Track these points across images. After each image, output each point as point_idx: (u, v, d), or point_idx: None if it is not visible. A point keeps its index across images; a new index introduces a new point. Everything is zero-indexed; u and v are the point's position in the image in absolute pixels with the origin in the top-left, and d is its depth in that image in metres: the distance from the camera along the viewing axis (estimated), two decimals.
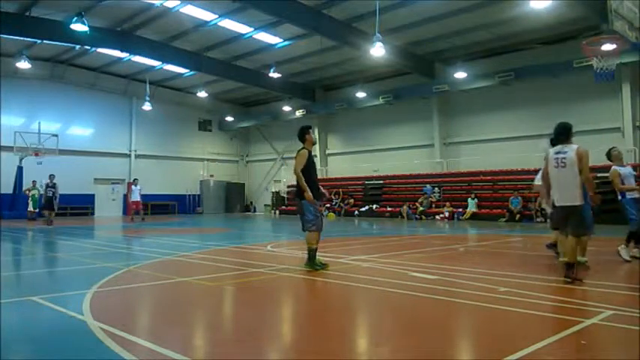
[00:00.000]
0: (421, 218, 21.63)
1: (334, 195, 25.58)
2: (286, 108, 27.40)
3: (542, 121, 19.54)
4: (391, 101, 23.69)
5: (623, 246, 7.12)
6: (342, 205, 25.38)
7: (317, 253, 6.69)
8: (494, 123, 21.81)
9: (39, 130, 23.31)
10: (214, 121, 32.62)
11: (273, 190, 31.01)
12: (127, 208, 21.40)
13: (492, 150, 21.70)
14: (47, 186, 17.92)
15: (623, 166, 7.32)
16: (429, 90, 22.35)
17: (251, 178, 34.16)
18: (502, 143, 21.52)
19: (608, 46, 11.70)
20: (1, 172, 22.44)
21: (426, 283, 5.61)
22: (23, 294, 5.23)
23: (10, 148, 22.44)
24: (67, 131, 25.74)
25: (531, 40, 19.94)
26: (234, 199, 32.29)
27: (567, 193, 5.66)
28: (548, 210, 7.37)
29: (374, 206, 24.20)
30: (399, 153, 25.15)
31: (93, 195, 26.79)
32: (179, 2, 17.66)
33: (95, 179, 26.99)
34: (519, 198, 19.19)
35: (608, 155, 7.43)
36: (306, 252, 6.73)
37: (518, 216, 18.83)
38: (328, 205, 24.88)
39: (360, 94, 24.10)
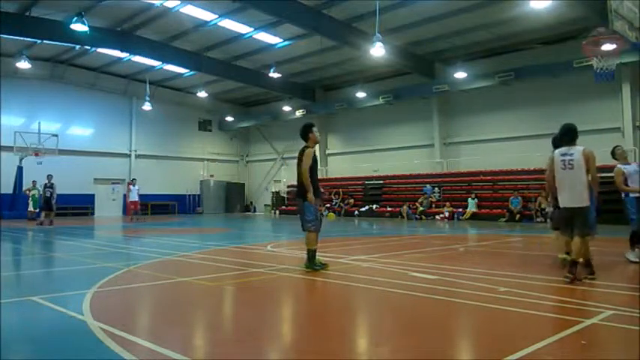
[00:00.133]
0: (421, 218, 21.63)
1: (334, 195, 25.59)
2: (286, 108, 27.40)
3: (542, 121, 19.58)
4: (391, 101, 23.69)
5: (629, 252, 7.11)
6: (342, 205, 25.39)
7: (317, 254, 6.68)
8: (494, 123, 21.81)
9: (39, 130, 23.33)
10: (214, 121, 32.62)
11: (273, 190, 31.02)
12: (127, 208, 21.40)
13: (492, 150, 21.70)
14: (45, 186, 17.82)
15: (628, 164, 7.27)
16: (429, 90, 22.35)
17: (251, 178, 34.17)
18: (502, 143, 21.53)
19: (608, 46, 11.69)
20: (1, 172, 22.44)
21: (426, 283, 5.61)
22: (23, 294, 5.23)
23: (10, 148, 22.46)
24: (67, 131, 25.75)
25: (531, 40, 19.94)
26: (234, 199, 32.29)
27: (575, 194, 5.67)
28: (549, 210, 7.40)
29: (374, 206, 24.20)
30: (399, 153, 25.16)
31: (93, 195, 26.80)
32: (179, 2, 17.66)
33: (95, 179, 27.00)
34: (519, 198, 19.20)
35: (613, 154, 7.44)
36: (306, 252, 6.72)
37: (518, 216, 18.83)
38: (328, 205, 24.88)
39: (360, 94, 24.10)
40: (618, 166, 7.11)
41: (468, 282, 5.67)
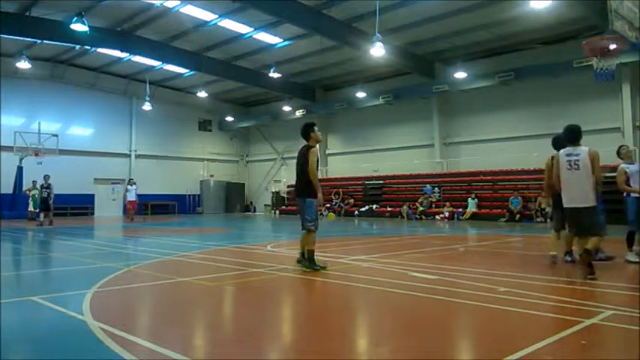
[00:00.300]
0: (421, 218, 21.63)
1: (334, 195, 25.59)
2: (286, 108, 27.41)
3: (543, 121, 19.59)
4: (391, 101, 23.69)
5: (628, 253, 7.11)
6: (342, 205, 25.39)
7: (316, 254, 6.68)
8: (494, 123, 21.82)
9: (39, 130, 23.33)
10: (214, 121, 32.63)
11: (273, 190, 31.02)
12: (126, 208, 21.40)
13: (492, 150, 21.70)
14: (42, 187, 17.63)
15: (632, 163, 7.27)
16: (429, 90, 22.35)
17: (251, 178, 34.17)
18: (502, 143, 21.53)
19: (607, 46, 11.69)
20: (1, 172, 22.44)
21: (426, 283, 5.61)
22: (23, 294, 5.23)
23: (10, 148, 22.45)
24: (67, 131, 25.76)
25: (531, 40, 19.94)
26: (234, 199, 32.29)
27: (581, 194, 5.70)
28: (549, 210, 7.40)
29: (374, 206, 24.20)
30: (399, 153, 25.16)
31: (93, 195, 26.80)
32: (179, 2, 17.66)
33: (95, 179, 27.00)
34: (519, 198, 19.20)
35: (618, 153, 7.46)
36: (304, 252, 6.70)
37: (518, 216, 18.83)
38: (328, 205, 24.88)
39: (360, 94, 24.11)
40: (622, 165, 7.11)
41: (468, 282, 5.67)
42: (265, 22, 18.52)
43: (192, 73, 25.05)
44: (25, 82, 24.07)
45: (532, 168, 19.25)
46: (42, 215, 17.46)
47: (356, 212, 24.41)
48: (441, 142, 23.41)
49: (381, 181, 25.11)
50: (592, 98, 18.75)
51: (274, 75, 22.75)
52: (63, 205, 23.83)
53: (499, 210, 19.78)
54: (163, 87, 28.64)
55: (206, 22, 19.31)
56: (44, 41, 19.83)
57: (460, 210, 20.98)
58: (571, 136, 5.97)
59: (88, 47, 21.76)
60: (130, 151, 28.68)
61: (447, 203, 21.59)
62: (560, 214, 6.84)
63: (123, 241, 12.84)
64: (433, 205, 22.29)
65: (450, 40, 20.10)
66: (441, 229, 16.12)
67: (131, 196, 20.95)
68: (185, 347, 3.42)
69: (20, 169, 23.06)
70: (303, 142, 6.82)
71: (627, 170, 7.02)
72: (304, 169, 6.56)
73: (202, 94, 26.87)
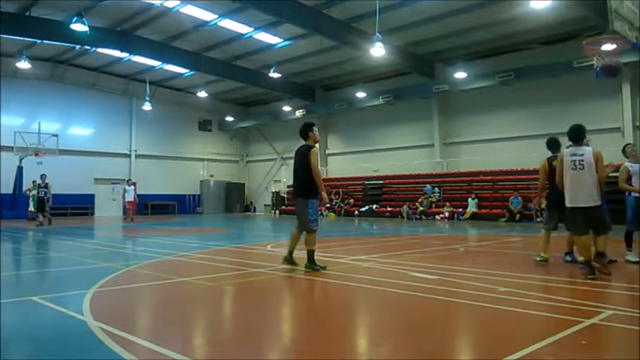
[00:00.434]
0: (421, 218, 21.63)
1: (334, 195, 25.59)
2: (286, 108, 27.40)
3: (542, 121, 19.59)
4: (391, 101, 23.69)
5: (628, 253, 7.11)
6: (342, 205, 25.39)
7: (316, 254, 6.67)
8: (494, 123, 21.81)
9: (39, 130, 23.32)
10: (214, 121, 32.62)
11: (273, 190, 31.03)
12: (125, 208, 21.40)
13: (492, 150, 21.70)
14: (39, 187, 17.48)
15: (638, 162, 7.26)
16: (429, 90, 22.35)
17: (251, 178, 34.16)
18: (502, 143, 21.53)
19: (608, 46, 11.69)
20: (1, 172, 22.44)
21: (426, 283, 5.61)
22: (23, 294, 5.23)
23: (10, 148, 22.45)
24: (67, 131, 25.75)
25: (531, 40, 19.94)
26: (234, 199, 32.30)
27: (587, 194, 5.74)
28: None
29: (374, 206, 24.20)
30: (399, 153, 25.16)
31: (93, 195, 26.79)
32: (179, 2, 17.67)
33: (95, 179, 27.00)
34: (519, 198, 19.20)
35: (623, 151, 7.47)
36: (289, 252, 6.70)
37: (518, 216, 18.83)
38: (328, 205, 24.88)
39: (360, 94, 24.11)
40: (625, 163, 7.10)
41: (468, 282, 5.67)
42: (265, 22, 18.52)
43: (192, 73, 25.06)
44: (25, 82, 24.06)
45: (532, 168, 19.21)
46: (41, 215, 17.43)
47: (356, 212, 24.41)
48: (441, 142, 23.41)
49: (381, 181, 25.11)
50: (592, 98, 18.74)
51: (274, 75, 22.75)
52: (63, 205, 23.85)
53: (499, 210, 19.78)
54: (163, 87, 28.64)
55: (206, 22, 19.31)
56: (44, 41, 19.84)
57: (460, 210, 20.98)
58: (575, 135, 6.00)
59: (88, 47, 21.76)
60: (130, 151, 28.67)
61: (447, 203, 21.59)
62: (556, 214, 6.88)
63: (123, 241, 12.84)
64: (433, 205, 22.29)
65: (450, 40, 20.09)
66: (441, 229, 16.12)
67: (129, 197, 20.93)
68: (185, 347, 3.42)
69: (20, 169, 23.06)
70: (303, 142, 6.81)
71: (630, 169, 7.02)
72: (306, 169, 6.51)
73: (202, 94, 26.87)
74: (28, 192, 20.74)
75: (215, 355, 3.29)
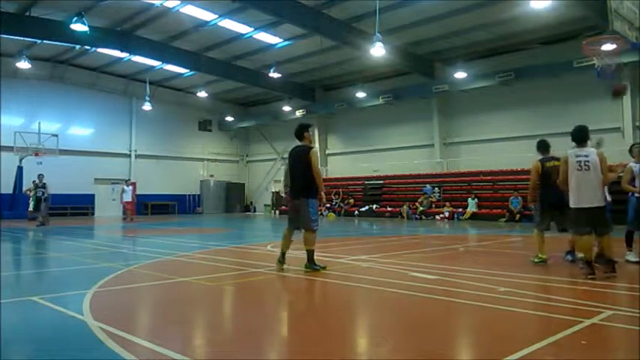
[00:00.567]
0: (421, 218, 21.63)
1: (334, 195, 25.59)
2: (286, 108, 27.40)
3: (543, 121, 19.58)
4: (391, 101, 23.68)
5: (628, 253, 7.11)
6: (342, 205, 25.39)
7: (316, 254, 6.67)
8: (494, 123, 21.81)
9: (39, 130, 23.32)
10: (214, 121, 32.61)
11: (273, 190, 31.02)
12: (125, 209, 21.39)
13: (492, 150, 21.69)
14: (36, 186, 17.42)
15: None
16: (429, 90, 22.35)
17: (251, 178, 34.16)
18: (502, 143, 21.51)
19: (608, 46, 11.71)
20: (1, 172, 22.44)
21: (425, 283, 5.61)
22: (23, 294, 5.23)
23: (10, 148, 22.44)
24: (67, 131, 25.74)
25: (531, 40, 19.92)
26: (234, 199, 32.29)
27: (592, 194, 5.79)
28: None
29: (374, 206, 24.19)
30: (399, 153, 25.15)
31: (93, 195, 26.78)
32: (179, 2, 17.66)
33: (95, 179, 26.98)
34: (519, 198, 19.17)
35: (630, 151, 7.49)
36: (282, 253, 6.67)
37: (518, 216, 18.82)
38: (328, 205, 24.90)
39: (360, 94, 24.11)
40: (630, 164, 7.11)
41: (468, 282, 5.67)
42: (265, 22, 18.52)
43: (192, 73, 25.05)
44: (25, 82, 24.05)
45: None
46: (40, 215, 17.41)
47: (356, 212, 24.41)
48: (441, 142, 23.41)
49: (381, 181, 25.11)
50: (592, 98, 18.73)
51: (274, 75, 22.75)
52: (63, 205, 23.84)
53: (499, 210, 19.77)
54: (163, 87, 28.63)
55: (206, 22, 19.31)
56: (44, 41, 19.82)
57: (460, 210, 20.98)
58: (579, 136, 6.05)
59: (88, 47, 21.74)
60: (130, 151, 28.67)
61: (447, 203, 21.59)
62: (549, 215, 6.90)
63: (123, 241, 12.84)
64: (433, 205, 22.28)
65: (450, 40, 20.08)
66: (441, 229, 16.12)
67: (127, 197, 20.90)
68: (185, 347, 3.42)
69: (20, 169, 23.05)
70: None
71: (633, 169, 7.02)
72: (305, 169, 6.50)
73: (202, 94, 26.85)
74: (28, 192, 20.71)
75: (215, 355, 3.29)
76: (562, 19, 17.33)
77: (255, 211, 32.65)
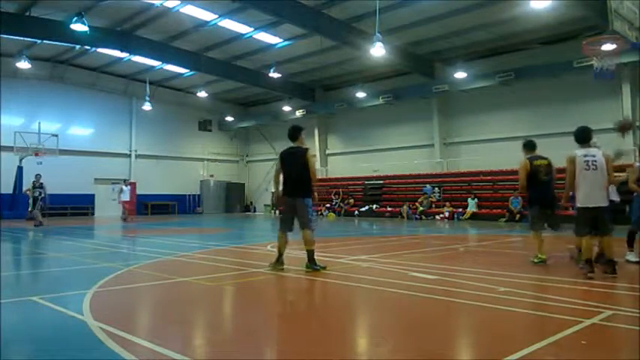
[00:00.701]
0: (421, 218, 21.62)
1: (334, 195, 25.59)
2: (286, 108, 27.39)
3: (543, 121, 19.58)
4: (391, 101, 23.68)
5: (628, 253, 7.11)
6: (342, 205, 25.38)
7: (316, 254, 6.67)
8: (494, 123, 21.80)
9: (39, 130, 23.29)
10: (214, 121, 32.61)
11: (273, 190, 30.94)
12: (125, 209, 21.39)
13: (492, 150, 21.67)
14: (34, 186, 17.32)
15: None
16: (429, 90, 22.34)
17: (251, 178, 34.16)
18: (502, 143, 21.47)
19: (608, 46, 11.70)
20: (1, 172, 22.43)
21: (425, 283, 5.62)
22: (23, 294, 5.23)
23: (10, 148, 22.41)
24: (67, 131, 25.72)
25: (531, 40, 19.92)
26: (234, 199, 32.28)
27: (599, 194, 5.86)
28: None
29: (374, 206, 24.19)
30: (399, 153, 25.15)
31: (93, 195, 26.77)
32: (179, 2, 17.66)
33: (95, 179, 26.97)
34: (519, 198, 19.15)
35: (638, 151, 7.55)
36: (279, 254, 6.69)
37: (518, 216, 18.80)
38: (328, 205, 24.89)
39: (360, 94, 24.10)
40: (637, 164, 7.14)
41: (468, 282, 5.68)
42: (265, 22, 18.51)
43: (192, 73, 25.04)
44: (25, 82, 24.04)
45: None
46: (40, 215, 17.40)
47: (356, 212, 24.40)
48: (441, 142, 23.41)
49: (381, 181, 25.10)
50: (592, 98, 18.73)
51: (274, 75, 22.75)
52: (63, 205, 23.83)
53: (499, 210, 19.76)
54: (163, 87, 28.62)
55: (206, 22, 19.30)
56: (44, 41, 19.81)
57: (460, 210, 20.97)
58: (582, 137, 6.12)
59: (88, 47, 21.73)
60: (130, 151, 28.66)
61: (447, 203, 21.59)
62: (542, 215, 7.04)
63: (123, 241, 12.85)
64: (433, 205, 22.28)
65: (450, 40, 20.08)
66: (441, 229, 16.12)
67: (125, 197, 20.90)
68: (185, 347, 3.42)
69: (20, 169, 23.03)
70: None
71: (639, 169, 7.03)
72: (302, 170, 6.57)
73: (202, 94, 26.84)
74: (28, 192, 20.70)
75: (215, 355, 3.29)
76: (562, 19, 17.33)
77: (255, 211, 32.64)
